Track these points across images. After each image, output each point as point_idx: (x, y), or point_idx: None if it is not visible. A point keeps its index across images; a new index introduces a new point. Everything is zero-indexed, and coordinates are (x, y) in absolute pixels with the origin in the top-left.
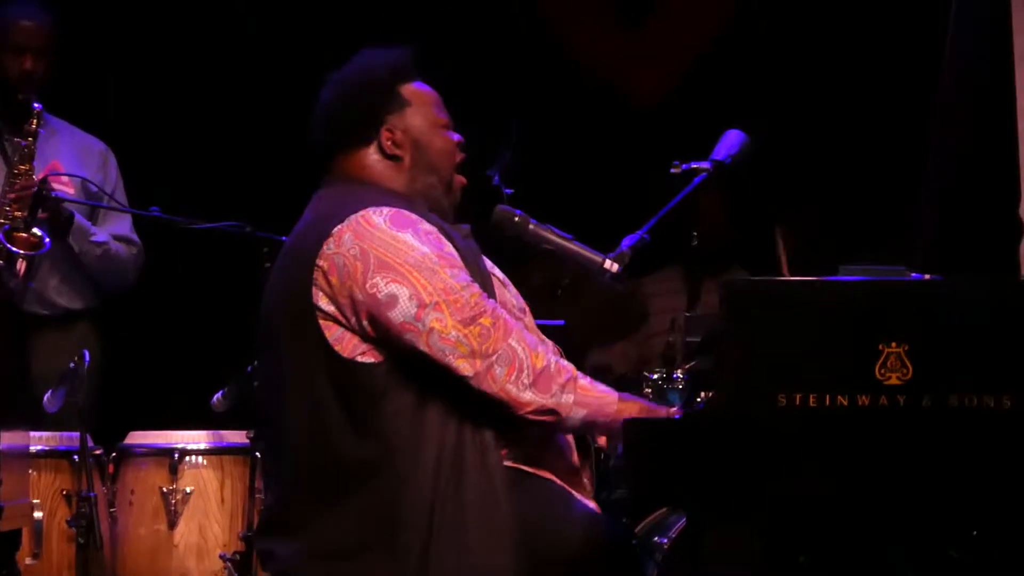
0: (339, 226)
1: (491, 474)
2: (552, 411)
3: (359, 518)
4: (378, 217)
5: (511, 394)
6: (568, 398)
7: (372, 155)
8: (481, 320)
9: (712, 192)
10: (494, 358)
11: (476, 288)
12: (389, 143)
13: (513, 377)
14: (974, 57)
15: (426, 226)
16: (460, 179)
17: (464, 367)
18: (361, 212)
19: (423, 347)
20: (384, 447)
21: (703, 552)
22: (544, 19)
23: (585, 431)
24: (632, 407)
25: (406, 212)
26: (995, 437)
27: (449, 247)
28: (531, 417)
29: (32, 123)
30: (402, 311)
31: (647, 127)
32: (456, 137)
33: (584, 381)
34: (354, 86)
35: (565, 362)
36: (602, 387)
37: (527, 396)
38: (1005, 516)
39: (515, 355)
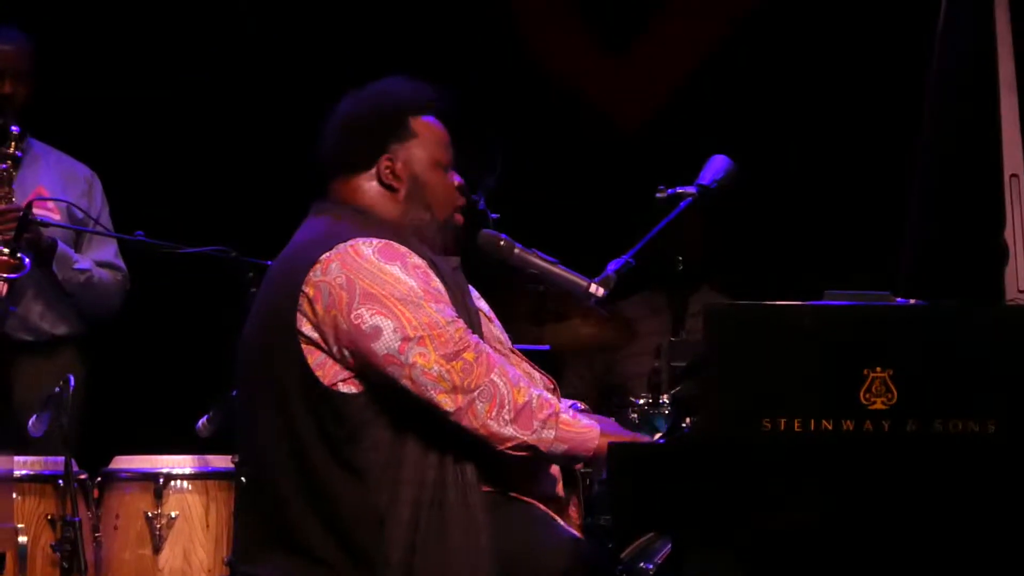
0: (327, 254)
1: (473, 512)
2: (532, 447)
3: (339, 550)
4: (367, 248)
5: (491, 430)
6: (549, 434)
7: (370, 181)
8: (464, 355)
9: (695, 217)
10: (476, 393)
11: (461, 323)
12: (388, 172)
13: (494, 413)
14: (959, 83)
15: (415, 260)
16: (458, 217)
17: (446, 402)
18: (350, 241)
19: (405, 381)
20: (362, 482)
21: None
22: (529, 44)
23: (567, 464)
24: (616, 440)
25: (395, 244)
26: (980, 462)
27: (436, 282)
28: (511, 452)
29: (10, 146)
30: (385, 344)
31: (632, 152)
32: (456, 179)
33: (566, 416)
34: (366, 108)
35: (548, 396)
36: (585, 421)
37: (507, 432)
38: (989, 541)
39: (496, 390)
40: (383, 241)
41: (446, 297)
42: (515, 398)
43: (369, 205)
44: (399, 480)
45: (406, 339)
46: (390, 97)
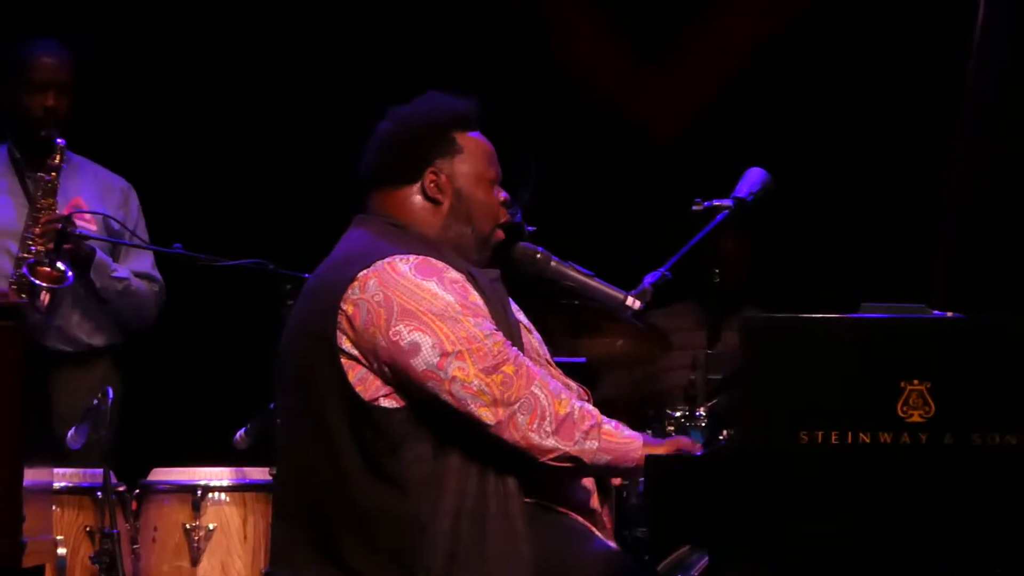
0: (364, 271)
1: (514, 522)
2: (575, 458)
3: (377, 562)
4: (404, 265)
5: (533, 442)
6: (591, 444)
7: (413, 195)
8: (504, 368)
9: (732, 230)
10: (516, 406)
11: (500, 336)
12: (432, 186)
13: (535, 425)
14: (995, 93)
15: (452, 274)
16: (499, 234)
17: (486, 415)
18: (388, 259)
19: (445, 396)
20: (403, 494)
21: None
22: (564, 56)
23: (610, 475)
24: (658, 450)
25: (432, 260)
26: (1017, 475)
27: (475, 296)
28: (553, 464)
29: (55, 158)
30: (424, 359)
31: (668, 164)
32: (503, 195)
33: (608, 427)
34: (411, 124)
35: (590, 407)
36: (627, 432)
37: (550, 443)
38: None
39: (537, 402)
40: (420, 257)
41: (485, 310)
42: (556, 410)
43: (410, 218)
44: (441, 491)
45: (445, 354)
46: (436, 113)
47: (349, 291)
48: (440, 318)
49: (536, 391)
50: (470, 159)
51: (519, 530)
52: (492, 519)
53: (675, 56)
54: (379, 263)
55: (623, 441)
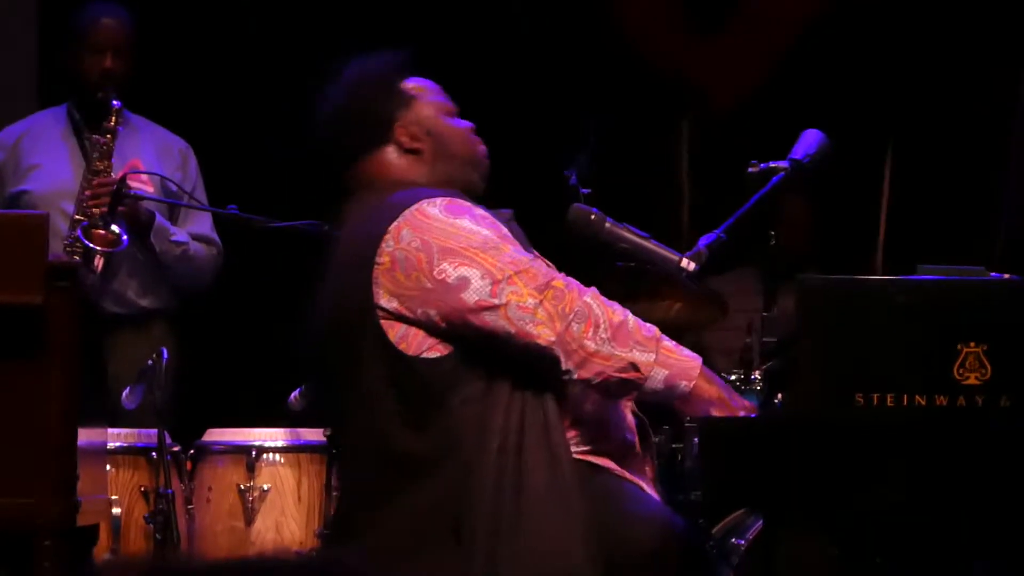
0: (395, 223)
1: (555, 452)
2: (633, 366)
3: (418, 515)
4: (432, 208)
5: (589, 350)
6: (649, 356)
7: (391, 154)
8: (554, 283)
9: (792, 193)
10: (571, 316)
11: (541, 261)
12: (406, 138)
13: (591, 332)
14: None
15: (480, 211)
16: (482, 148)
17: (545, 333)
18: (415, 205)
19: (503, 321)
20: (450, 440)
21: (780, 553)
22: (620, 21)
23: (663, 398)
24: (712, 388)
25: (458, 199)
26: None
27: (505, 229)
28: (614, 375)
29: (111, 120)
30: (475, 291)
31: (725, 127)
32: (466, 124)
33: (668, 343)
34: (358, 92)
35: (649, 324)
36: (687, 351)
37: (606, 350)
38: None
39: (591, 311)
40: (446, 199)
41: (516, 242)
42: (610, 317)
43: (398, 176)
44: (486, 432)
45: (496, 281)
46: (373, 74)
47: (383, 245)
48: (482, 250)
49: (588, 300)
50: (426, 101)
51: (562, 460)
52: (531, 450)
53: (734, 19)
54: (407, 211)
55: (682, 358)
